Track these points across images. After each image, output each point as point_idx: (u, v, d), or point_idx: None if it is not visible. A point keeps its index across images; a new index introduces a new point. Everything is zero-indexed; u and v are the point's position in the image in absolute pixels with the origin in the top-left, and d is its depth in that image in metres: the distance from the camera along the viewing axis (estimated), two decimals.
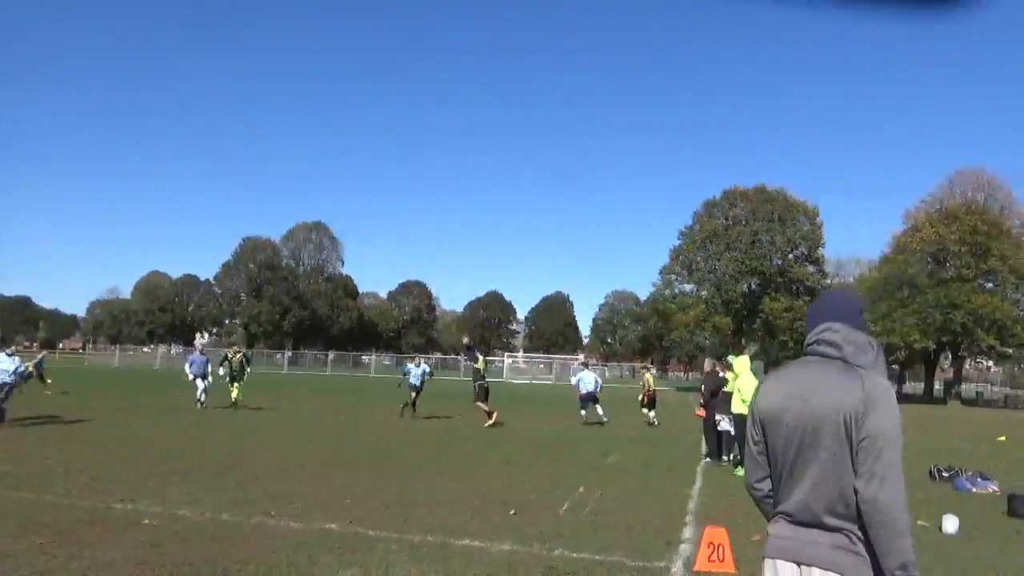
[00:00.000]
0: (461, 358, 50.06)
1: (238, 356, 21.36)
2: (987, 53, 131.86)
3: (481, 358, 19.18)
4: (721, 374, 13.48)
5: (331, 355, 69.40)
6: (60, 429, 14.05)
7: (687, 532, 7.29)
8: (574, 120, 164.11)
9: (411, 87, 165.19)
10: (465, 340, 21.48)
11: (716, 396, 13.18)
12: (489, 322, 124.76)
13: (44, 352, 30.99)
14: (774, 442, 2.41)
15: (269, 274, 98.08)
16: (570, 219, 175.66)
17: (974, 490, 10.69)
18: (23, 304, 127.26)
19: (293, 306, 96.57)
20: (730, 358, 12.85)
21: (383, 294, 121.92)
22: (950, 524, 7.83)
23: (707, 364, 14.81)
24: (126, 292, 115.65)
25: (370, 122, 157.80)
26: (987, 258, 52.42)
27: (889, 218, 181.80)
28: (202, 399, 19.82)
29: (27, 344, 75.84)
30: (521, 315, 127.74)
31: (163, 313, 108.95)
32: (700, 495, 9.58)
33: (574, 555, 6.18)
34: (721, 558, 5.86)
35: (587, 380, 20.06)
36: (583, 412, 19.88)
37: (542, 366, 71.60)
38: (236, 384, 20.64)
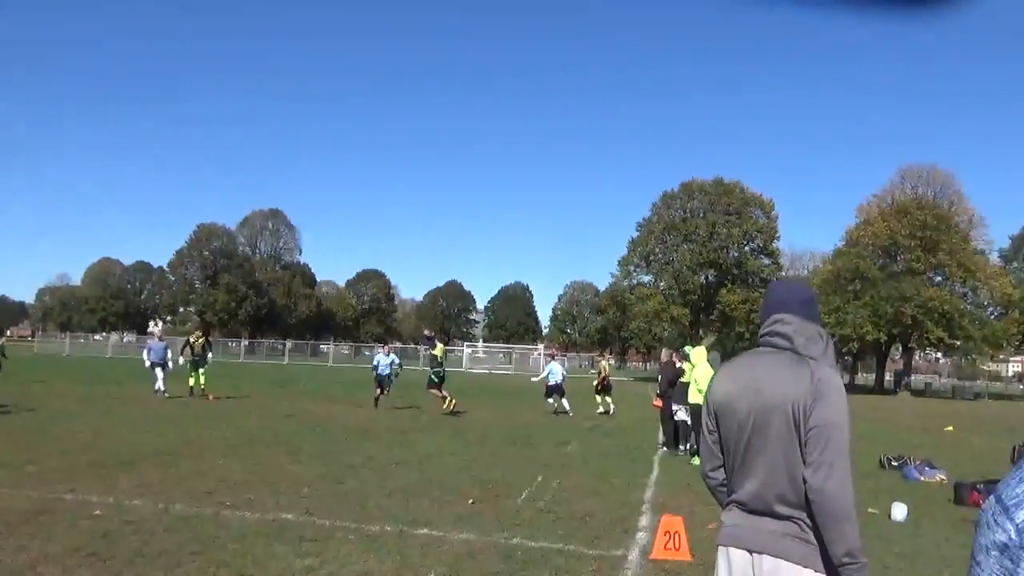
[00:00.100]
0: (421, 348, 49.90)
1: (200, 341, 20.60)
2: (944, 49, 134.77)
3: (440, 345, 19.09)
4: (678, 365, 13.65)
5: (289, 344, 68.46)
6: (6, 419, 13.66)
7: (644, 521, 7.37)
8: (534, 110, 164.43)
9: (368, 73, 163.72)
10: (426, 332, 21.44)
11: (673, 386, 13.34)
12: (449, 312, 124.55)
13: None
14: (727, 432, 2.44)
15: (225, 262, 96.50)
16: (530, 209, 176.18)
17: (922, 479, 10.98)
18: None
19: (249, 294, 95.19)
20: (687, 349, 12.99)
21: (341, 283, 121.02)
22: (899, 512, 8.04)
23: (664, 355, 14.99)
24: (76, 279, 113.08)
25: (327, 109, 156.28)
26: (936, 252, 53.67)
27: (843, 212, 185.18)
28: (161, 387, 19.29)
29: None
30: (481, 305, 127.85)
31: (115, 300, 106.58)
32: (657, 484, 9.69)
33: (532, 544, 6.21)
34: (677, 546, 5.94)
35: (555, 372, 20.26)
36: (550, 401, 20.10)
37: (502, 356, 71.66)
38: (201, 371, 20.00)
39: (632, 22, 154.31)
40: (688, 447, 12.43)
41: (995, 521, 1.01)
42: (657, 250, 62.27)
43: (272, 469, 9.36)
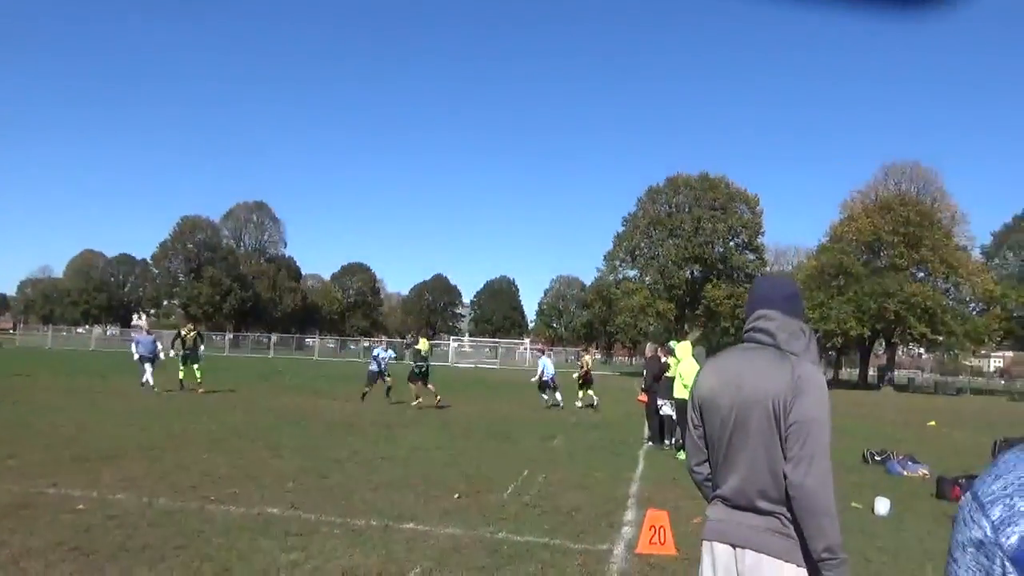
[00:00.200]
0: (406, 349, 49.84)
1: (192, 334, 20.03)
2: (929, 46, 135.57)
3: (425, 341, 19.08)
4: (663, 359, 13.68)
5: (274, 337, 68.08)
6: None
7: (629, 515, 7.40)
8: (521, 104, 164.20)
9: (355, 66, 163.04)
10: (407, 339, 21.55)
11: (659, 381, 13.37)
12: (435, 306, 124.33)
13: None
14: (711, 427, 2.46)
15: (209, 254, 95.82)
16: (516, 203, 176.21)
17: (905, 473, 11.08)
18: None
19: (234, 287, 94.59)
20: (672, 344, 13.04)
21: (326, 276, 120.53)
22: (882, 506, 8.11)
23: (649, 349, 15.01)
24: (58, 271, 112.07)
25: (312, 101, 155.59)
26: (919, 248, 54.02)
27: (827, 208, 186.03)
28: (149, 381, 18.92)
29: None
30: (467, 299, 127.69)
31: (98, 293, 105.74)
32: (642, 479, 9.73)
33: (518, 538, 6.23)
34: (662, 540, 5.97)
35: (548, 367, 20.44)
36: (544, 397, 20.29)
37: (488, 350, 71.60)
38: (195, 366, 19.64)
39: (619, 16, 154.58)
40: (673, 442, 12.48)
41: (971, 518, 1.03)
42: (642, 245, 62.38)
43: (257, 463, 9.32)
